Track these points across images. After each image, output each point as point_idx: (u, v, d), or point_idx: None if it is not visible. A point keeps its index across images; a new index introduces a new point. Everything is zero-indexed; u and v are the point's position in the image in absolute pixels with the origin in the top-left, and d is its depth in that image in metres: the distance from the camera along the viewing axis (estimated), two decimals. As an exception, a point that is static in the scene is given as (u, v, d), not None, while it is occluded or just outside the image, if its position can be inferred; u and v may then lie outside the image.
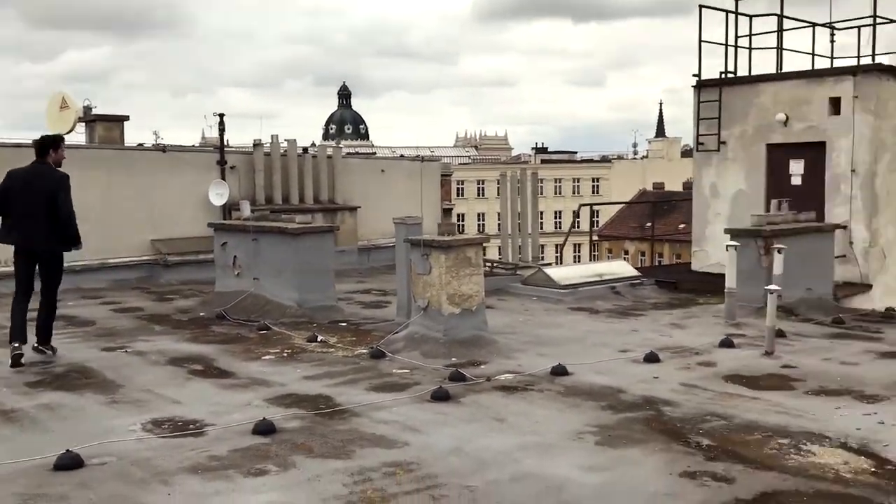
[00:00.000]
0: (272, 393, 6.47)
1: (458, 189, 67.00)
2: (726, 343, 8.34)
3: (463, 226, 65.48)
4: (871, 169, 12.50)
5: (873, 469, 4.70)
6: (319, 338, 8.62)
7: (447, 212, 23.87)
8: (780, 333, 8.57)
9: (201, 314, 10.32)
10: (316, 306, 10.01)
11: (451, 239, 8.11)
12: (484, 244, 8.66)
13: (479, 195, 72.05)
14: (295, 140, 16.36)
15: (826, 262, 11.39)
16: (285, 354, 7.97)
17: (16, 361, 7.21)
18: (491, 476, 4.57)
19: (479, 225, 69.39)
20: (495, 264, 14.33)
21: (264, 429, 5.35)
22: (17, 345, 7.31)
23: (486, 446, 5.10)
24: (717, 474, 4.60)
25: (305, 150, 17.11)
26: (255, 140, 16.02)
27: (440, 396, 6.18)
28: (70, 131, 14.17)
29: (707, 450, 5.03)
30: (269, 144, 15.93)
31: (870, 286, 12.58)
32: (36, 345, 7.63)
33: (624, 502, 4.27)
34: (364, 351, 7.99)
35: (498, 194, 17.61)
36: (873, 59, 13.13)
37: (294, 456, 4.92)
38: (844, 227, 12.44)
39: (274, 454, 4.96)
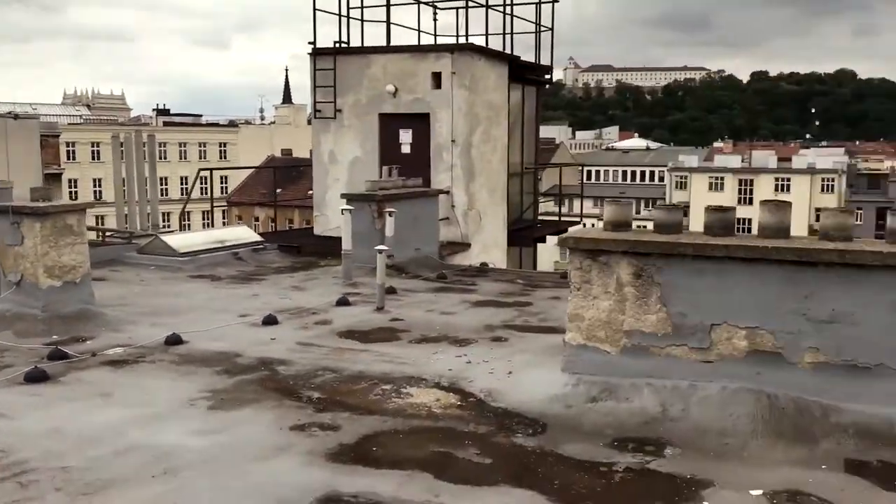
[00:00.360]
0: None
1: (68, 152, 60.85)
2: (342, 301, 8.77)
3: (76, 192, 59.83)
4: (468, 139, 13.91)
5: (459, 403, 5.33)
6: None
7: (54, 177, 21.62)
8: (391, 290, 9.23)
9: None
10: None
11: (48, 205, 7.38)
12: (88, 210, 8.02)
13: (94, 159, 66.23)
14: None
15: (432, 224, 12.49)
16: None
17: None
18: (92, 453, 4.32)
19: (95, 192, 63.88)
20: (108, 233, 13.36)
21: None
22: None
23: (88, 423, 4.80)
24: (324, 424, 4.86)
25: None
26: None
27: (35, 377, 5.65)
28: None
29: (317, 402, 5.28)
30: None
31: (469, 245, 14.07)
32: None
33: (234, 460, 4.31)
34: (-58, 335, 6.97)
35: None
36: (467, 39, 14.57)
37: None
38: (447, 192, 13.72)
39: None
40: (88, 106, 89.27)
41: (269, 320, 7.71)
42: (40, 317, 7.17)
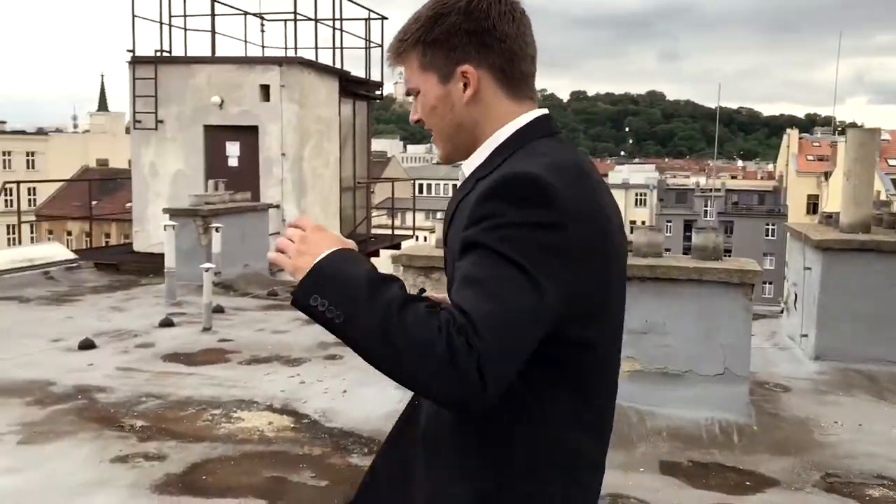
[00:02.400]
0: None
1: None
2: (166, 322, 8.38)
3: None
4: (298, 153, 13.73)
5: (293, 425, 5.24)
6: None
7: None
8: (219, 309, 8.93)
9: None
10: None
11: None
12: None
13: None
14: None
15: (262, 239, 12.22)
16: None
17: None
18: None
19: None
20: None
21: None
22: None
23: None
24: (149, 454, 4.63)
25: None
26: None
27: None
28: None
29: (141, 431, 5.02)
30: None
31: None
32: None
33: (47, 499, 4.01)
34: None
35: None
36: (296, 52, 14.41)
37: None
38: (277, 207, 13.48)
39: None
40: None
41: (86, 344, 7.23)
42: None
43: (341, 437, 5.00)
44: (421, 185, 74.63)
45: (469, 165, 1.48)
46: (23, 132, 72.73)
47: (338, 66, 14.95)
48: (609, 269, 1.40)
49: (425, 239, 24.04)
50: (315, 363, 6.88)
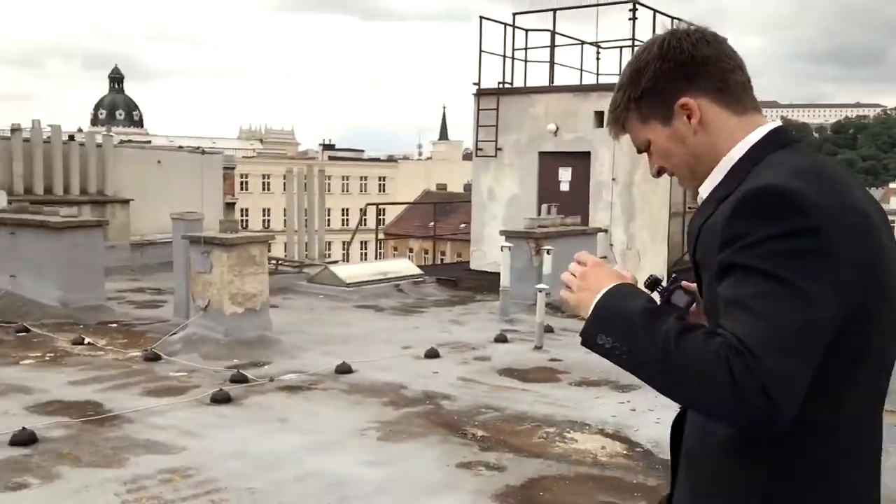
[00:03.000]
0: (33, 400, 5.99)
1: (241, 183, 64.97)
2: (501, 338, 8.83)
3: (247, 221, 63.67)
4: (629, 178, 13.72)
5: (626, 452, 5.22)
6: (87, 340, 8.07)
7: (230, 206, 23.11)
8: (549, 329, 9.20)
9: (-54, 315, 9.28)
10: (82, 306, 9.34)
11: (234, 236, 7.91)
12: (269, 241, 8.54)
13: (264, 190, 70.40)
14: (59, 126, 15.12)
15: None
16: (47, 358, 7.39)
17: None
18: (273, 477, 4.55)
19: (264, 220, 67.83)
20: (281, 262, 14.13)
21: (24, 439, 4.95)
22: None
23: (268, 447, 5.06)
24: (490, 463, 4.89)
25: (72, 137, 15.87)
26: (13, 125, 14.62)
27: (220, 399, 6.03)
28: None
29: (482, 440, 5.33)
30: (29, 129, 14.60)
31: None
32: None
33: (403, 494, 4.42)
34: (137, 353, 7.58)
35: (284, 190, 17.39)
36: (632, 78, 14.41)
37: (59, 466, 4.60)
38: (606, 231, 13.57)
39: (35, 466, 4.61)
40: (261, 140, 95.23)
41: (432, 353, 7.87)
42: (223, 341, 7.66)
43: (676, 470, 4.86)
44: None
45: (706, 188, 1.47)
46: (377, 159, 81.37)
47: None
48: (878, 261, 1.33)
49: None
50: (645, 391, 6.77)
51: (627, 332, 1.33)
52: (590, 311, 1.39)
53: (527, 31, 15.03)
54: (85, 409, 5.76)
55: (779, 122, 1.47)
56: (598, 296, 1.39)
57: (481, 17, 14.29)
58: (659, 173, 1.55)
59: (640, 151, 1.57)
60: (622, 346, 1.34)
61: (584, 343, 1.41)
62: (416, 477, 4.64)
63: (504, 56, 14.67)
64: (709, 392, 1.24)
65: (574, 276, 1.47)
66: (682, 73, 1.44)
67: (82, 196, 14.90)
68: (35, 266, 9.47)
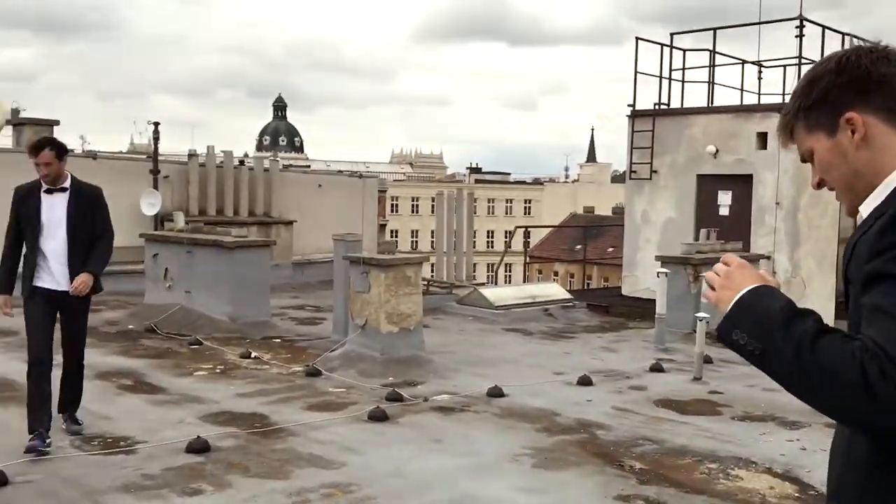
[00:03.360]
0: (205, 410, 6.35)
1: (392, 205, 66.95)
2: (656, 368, 8.55)
3: (397, 243, 65.40)
4: (794, 202, 13.02)
5: (797, 494, 4.89)
6: (253, 354, 8.50)
7: (381, 228, 23.82)
8: (708, 360, 8.82)
9: (130, 327, 10.06)
10: (249, 322, 9.87)
11: (392, 258, 8.12)
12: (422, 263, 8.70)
13: (413, 212, 72.20)
14: (231, 152, 16.16)
15: (750, 291, 11.80)
16: (218, 370, 7.84)
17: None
18: (430, 498, 4.59)
19: (412, 242, 69.47)
20: (431, 283, 14.37)
21: (199, 447, 5.25)
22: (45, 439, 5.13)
23: (424, 467, 5.12)
24: (649, 498, 4.72)
25: (242, 161, 16.91)
26: (189, 150, 15.75)
27: (377, 416, 6.17)
28: (-5, 134, 13.69)
29: (640, 473, 5.16)
30: (204, 155, 15.68)
31: (790, 315, 13.05)
32: (68, 421, 5.61)
33: (561, 525, 4.34)
34: (299, 368, 7.91)
35: (433, 212, 17.73)
36: (798, 98, 13.70)
37: (230, 475, 4.85)
38: (769, 258, 12.91)
39: (209, 473, 4.87)
40: (411, 164, 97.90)
41: (585, 381, 7.73)
42: (379, 359, 7.86)
43: (855, 518, 4.51)
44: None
45: (867, 206, 1.48)
46: (523, 182, 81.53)
47: (843, 108, 13.83)
48: None
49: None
50: (815, 429, 6.36)
51: (764, 330, 1.38)
52: (728, 308, 1.45)
53: (684, 50, 14.64)
54: (252, 421, 6.05)
55: None
56: (739, 294, 1.44)
57: (637, 38, 14.07)
58: (819, 186, 1.57)
59: (803, 160, 1.59)
60: (757, 342, 1.38)
61: (719, 338, 1.49)
62: (572, 507, 4.55)
63: (660, 77, 14.34)
64: (839, 392, 1.28)
65: (718, 275, 1.52)
66: (854, 89, 1.46)
67: (250, 217, 15.80)
68: (208, 283, 10.11)
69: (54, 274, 5.20)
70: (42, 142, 5.24)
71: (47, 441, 5.11)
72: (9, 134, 15.07)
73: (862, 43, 1.54)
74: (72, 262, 5.19)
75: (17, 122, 15.07)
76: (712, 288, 1.53)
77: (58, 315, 5.34)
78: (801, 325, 1.33)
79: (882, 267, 1.32)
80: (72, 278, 5.15)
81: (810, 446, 5.86)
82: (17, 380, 7.08)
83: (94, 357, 8.22)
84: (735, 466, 5.35)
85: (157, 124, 14.90)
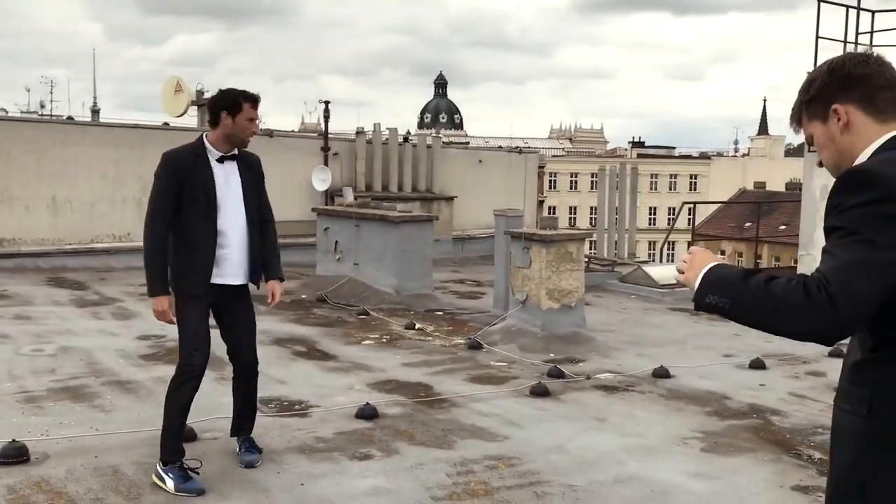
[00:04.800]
0: (373, 378, 6.58)
1: (550, 181, 66.41)
2: (837, 352, 7.99)
3: (556, 218, 64.95)
4: None
5: None
6: (417, 325, 8.71)
7: (539, 204, 23.68)
8: None
9: (303, 297, 10.58)
10: (413, 294, 10.12)
11: (553, 233, 8.05)
12: (585, 239, 8.57)
13: (571, 188, 71.27)
14: (396, 129, 16.56)
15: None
16: (384, 340, 8.09)
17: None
18: (594, 476, 4.53)
19: (570, 218, 68.70)
20: (592, 260, 14.14)
21: (368, 413, 5.45)
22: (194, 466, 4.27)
23: (587, 445, 5.05)
24: (831, 491, 4.43)
25: (406, 138, 17.29)
26: (357, 128, 16.28)
27: (539, 392, 6.15)
28: (183, 114, 14.72)
29: (819, 464, 4.85)
30: (370, 132, 16.17)
31: None
32: (244, 443, 4.61)
33: (733, 513, 4.16)
34: (461, 341, 8.03)
35: (592, 188, 17.43)
36: None
37: (397, 442, 4.99)
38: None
39: (377, 439, 5.04)
40: (570, 139, 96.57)
41: (757, 364, 7.36)
42: (539, 335, 7.83)
43: None
44: None
45: None
46: (689, 156, 78.46)
47: None
48: None
49: None
50: None
51: (728, 288, 1.77)
52: (698, 282, 1.83)
53: (874, 12, 13.46)
54: (417, 390, 6.20)
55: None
56: (704, 269, 1.84)
57: (819, 0, 13.06)
58: (820, 164, 2.02)
59: (808, 144, 1.99)
60: (725, 299, 1.77)
61: (696, 306, 1.85)
62: (746, 495, 4.35)
63: (845, 41, 13.27)
64: (791, 309, 1.67)
65: (685, 262, 1.92)
66: (839, 86, 1.88)
67: (413, 193, 16.17)
68: (374, 255, 10.44)
69: (235, 264, 4.24)
70: (256, 95, 4.24)
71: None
72: (194, 114, 16.18)
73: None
74: (252, 250, 4.28)
75: (201, 103, 16.14)
76: (681, 272, 1.91)
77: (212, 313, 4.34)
78: (754, 277, 1.74)
79: (831, 222, 1.75)
80: (251, 270, 4.33)
81: None
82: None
83: (271, 324, 8.73)
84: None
85: (327, 103, 15.50)
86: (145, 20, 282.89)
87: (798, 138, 2.16)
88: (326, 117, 15.36)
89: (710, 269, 1.83)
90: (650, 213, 69.22)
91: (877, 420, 1.79)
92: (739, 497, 4.32)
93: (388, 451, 4.85)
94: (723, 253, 47.44)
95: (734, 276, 1.79)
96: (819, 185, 13.66)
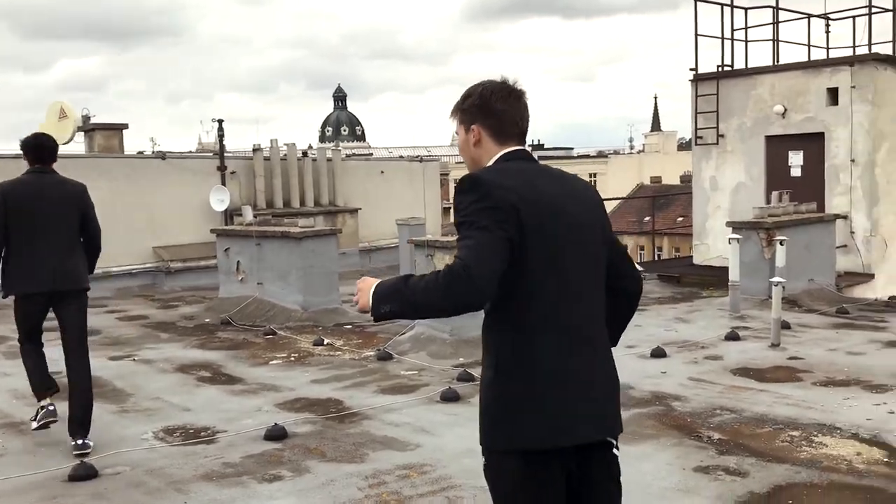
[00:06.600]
0: (282, 398, 6.48)
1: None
2: (732, 336, 8.36)
3: (462, 224, 65.34)
4: (870, 158, 12.52)
5: (886, 459, 4.73)
6: (325, 341, 8.63)
7: (445, 210, 23.85)
8: (785, 325, 8.58)
9: (206, 320, 10.33)
10: (320, 309, 10.02)
11: (455, 239, 8.11)
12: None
13: (476, 193, 71.96)
14: (294, 144, 16.37)
15: (828, 253, 11.42)
16: (293, 358, 7.99)
17: (46, 423, 5.28)
18: (505, 476, 4.58)
19: (477, 223, 69.30)
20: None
21: (276, 434, 5.36)
22: (48, 403, 5.30)
23: (498, 446, 5.10)
24: (730, 468, 4.62)
25: (305, 153, 17.12)
26: (254, 145, 16.02)
27: (449, 397, 6.19)
28: (69, 141, 14.17)
29: (719, 444, 5.05)
30: (268, 149, 15.93)
31: (872, 275, 12.60)
32: (77, 440, 5.11)
33: (639, 497, 4.28)
34: (371, 353, 8.00)
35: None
36: (870, 49, 13.15)
37: (307, 461, 4.94)
38: (845, 217, 12.46)
39: (287, 459, 4.97)
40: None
41: (658, 353, 7.61)
42: (448, 340, 7.88)
43: (950, 481, 4.33)
44: None
45: None
46: (587, 156, 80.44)
47: (920, 56, 13.21)
48: (527, 223, 2.18)
49: None
50: (904, 392, 6.14)
51: (395, 293, 2.15)
52: (370, 300, 2.17)
53: (746, 9, 14.17)
54: (327, 407, 6.14)
55: (517, 147, 2.38)
56: (372, 288, 2.19)
57: (696, 0, 13.66)
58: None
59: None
60: (395, 303, 2.14)
61: (375, 319, 2.22)
62: (651, 480, 4.48)
63: (722, 38, 13.93)
64: (443, 290, 2.07)
65: (354, 295, 2.31)
66: (479, 111, 2.38)
67: (316, 207, 16.01)
68: (278, 273, 10.29)
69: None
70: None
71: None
72: (80, 140, 15.59)
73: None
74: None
75: (89, 129, 15.58)
76: (357, 301, 2.24)
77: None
78: (412, 278, 2.14)
79: (455, 218, 2.23)
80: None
81: (898, 410, 5.65)
82: (102, 377, 7.37)
83: (174, 351, 8.50)
84: (818, 433, 5.19)
85: (220, 122, 15.20)
86: (22, 45, 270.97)
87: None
88: (221, 136, 15.06)
89: (377, 286, 2.19)
90: (554, 213, 70.47)
91: (493, 367, 2.30)
92: (644, 483, 4.45)
93: (298, 470, 4.79)
94: (626, 247, 48.87)
95: (396, 283, 2.17)
96: (707, 176, 14.27)
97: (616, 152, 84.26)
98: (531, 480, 2.25)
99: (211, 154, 16.14)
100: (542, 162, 2.57)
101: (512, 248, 2.15)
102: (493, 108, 2.36)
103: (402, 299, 2.13)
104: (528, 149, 2.55)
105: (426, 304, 2.13)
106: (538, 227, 2.20)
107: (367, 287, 2.21)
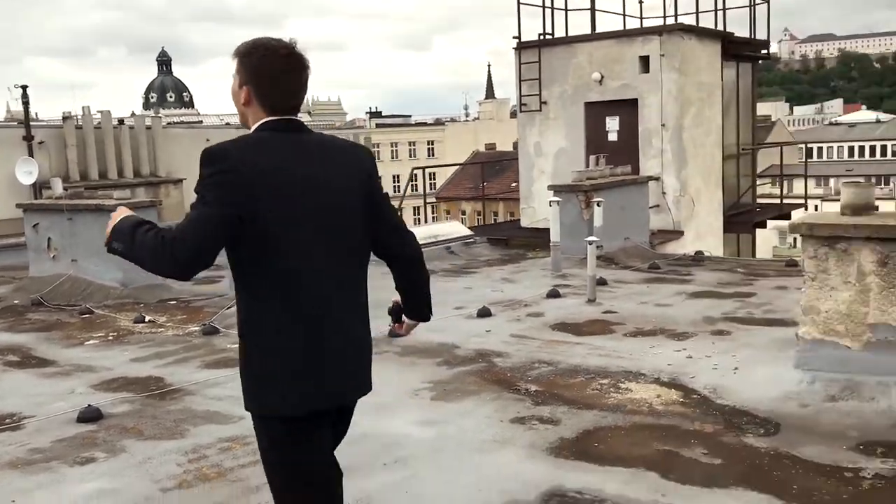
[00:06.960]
0: (98, 378, 6.17)
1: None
2: (553, 294, 8.77)
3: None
4: (678, 123, 13.40)
5: (682, 399, 5.14)
6: (147, 318, 8.28)
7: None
8: (602, 281, 9.10)
9: (15, 302, 9.62)
10: (142, 286, 9.56)
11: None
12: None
13: (314, 162, 70.85)
14: (109, 111, 15.43)
15: (642, 212, 12.17)
16: (111, 338, 7.61)
17: None
18: (329, 441, 4.60)
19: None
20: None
21: (90, 416, 5.11)
22: None
23: (324, 412, 5.11)
24: (544, 417, 4.88)
25: (121, 121, 16.19)
26: (64, 113, 14.96)
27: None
28: None
29: (535, 395, 5.31)
30: (80, 117, 14.93)
31: (682, 232, 13.57)
32: None
33: (459, 451, 4.44)
34: (196, 328, 7.75)
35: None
36: (676, 20, 14.01)
37: (123, 440, 4.74)
38: (657, 179, 13.31)
39: (102, 441, 4.75)
40: (309, 112, 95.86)
41: (484, 312, 7.86)
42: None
43: (734, 415, 4.79)
44: (811, 150, 68.15)
45: None
46: (424, 123, 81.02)
47: (720, 27, 14.24)
48: (262, 196, 2.27)
49: (816, 208, 21.92)
50: (701, 338, 6.68)
51: (126, 236, 2.27)
52: (109, 231, 2.31)
53: (565, -22, 14.68)
54: (147, 385, 5.91)
55: (276, 118, 2.39)
56: (115, 222, 2.31)
57: (517, -31, 14.00)
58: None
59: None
60: (123, 245, 2.27)
61: (108, 251, 2.33)
62: (470, 434, 4.66)
63: (543, 6, 14.39)
64: (154, 254, 2.21)
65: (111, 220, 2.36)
66: (255, 74, 2.40)
67: (136, 178, 15.22)
68: (94, 249, 9.69)
69: None
70: None
71: None
72: None
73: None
74: None
75: None
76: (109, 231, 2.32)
77: None
78: (142, 228, 2.25)
79: (195, 189, 2.28)
80: None
81: (696, 354, 6.15)
82: None
83: (-25, 336, 7.86)
84: (625, 380, 5.57)
85: (24, 87, 14.05)
86: None
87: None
88: (26, 103, 13.94)
89: (120, 220, 2.31)
90: (394, 181, 70.82)
91: (239, 335, 2.43)
92: (464, 437, 4.61)
93: (113, 451, 4.59)
94: (464, 213, 49.84)
95: (133, 227, 2.27)
96: (532, 142, 14.78)
97: (453, 120, 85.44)
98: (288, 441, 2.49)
99: (16, 123, 14.94)
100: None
101: (239, 225, 2.24)
102: (270, 78, 2.39)
103: (127, 246, 2.26)
104: (302, 118, 2.57)
105: (140, 261, 2.27)
106: (277, 201, 2.28)
107: (115, 217, 2.33)
